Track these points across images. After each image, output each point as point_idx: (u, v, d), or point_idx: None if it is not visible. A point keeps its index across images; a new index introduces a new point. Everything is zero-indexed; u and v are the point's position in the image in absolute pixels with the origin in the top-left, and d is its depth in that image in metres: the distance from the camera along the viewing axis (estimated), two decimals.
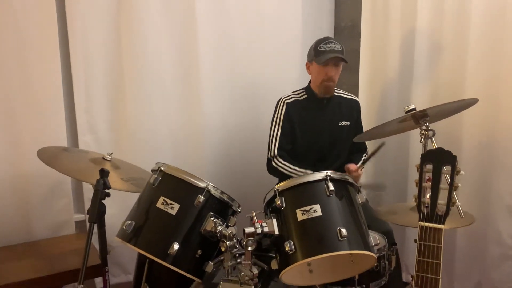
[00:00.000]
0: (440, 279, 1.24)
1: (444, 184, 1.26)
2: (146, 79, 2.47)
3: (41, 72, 2.21)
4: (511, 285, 2.29)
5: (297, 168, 2.26)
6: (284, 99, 2.39)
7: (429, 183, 1.27)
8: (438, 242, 1.25)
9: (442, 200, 1.26)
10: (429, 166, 1.28)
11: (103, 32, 2.36)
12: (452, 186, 1.24)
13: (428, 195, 1.27)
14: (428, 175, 1.28)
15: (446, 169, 1.25)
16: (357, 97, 2.61)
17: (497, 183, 2.26)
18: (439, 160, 1.25)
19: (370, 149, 2.56)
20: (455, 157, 1.24)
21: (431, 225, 1.26)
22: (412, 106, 1.82)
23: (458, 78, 2.34)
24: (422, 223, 1.27)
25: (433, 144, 1.74)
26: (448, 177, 1.25)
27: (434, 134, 1.77)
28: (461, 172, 1.25)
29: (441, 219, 1.26)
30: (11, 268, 1.95)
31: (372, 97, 2.85)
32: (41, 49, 2.20)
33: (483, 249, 2.36)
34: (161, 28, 2.48)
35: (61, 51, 2.27)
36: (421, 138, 1.77)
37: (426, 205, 1.28)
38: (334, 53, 2.19)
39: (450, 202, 1.24)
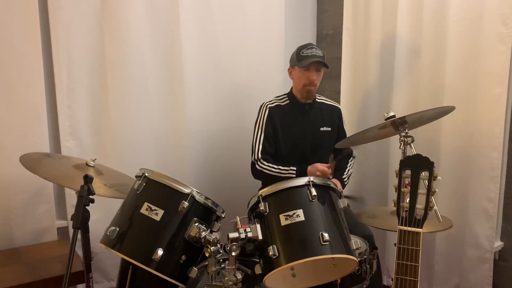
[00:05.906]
0: (418, 281, 1.28)
1: (422, 189, 1.30)
2: (130, 84, 2.46)
3: (24, 76, 2.18)
4: (488, 287, 2.34)
5: (281, 167, 2.29)
6: (266, 104, 2.42)
7: (408, 188, 1.31)
8: (416, 245, 1.29)
9: (420, 204, 1.30)
10: (408, 172, 1.31)
11: (86, 36, 2.34)
12: (429, 191, 1.28)
13: (407, 200, 1.31)
14: (407, 181, 1.32)
15: (424, 174, 1.29)
16: (339, 103, 2.65)
17: (474, 187, 2.32)
18: (417, 166, 1.29)
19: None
20: (432, 163, 1.28)
21: (409, 229, 1.30)
22: (391, 113, 1.86)
23: (437, 85, 2.40)
24: (401, 227, 1.31)
25: (412, 150, 1.78)
26: (426, 182, 1.29)
27: (413, 141, 1.81)
28: (438, 177, 1.29)
29: (419, 223, 1.29)
30: None
31: (353, 104, 2.90)
32: (24, 53, 2.17)
33: (461, 252, 2.41)
34: (145, 32, 2.48)
35: (44, 55, 2.24)
36: (401, 144, 1.81)
37: (405, 209, 1.31)
38: (316, 58, 2.24)
39: (427, 206, 1.28)
